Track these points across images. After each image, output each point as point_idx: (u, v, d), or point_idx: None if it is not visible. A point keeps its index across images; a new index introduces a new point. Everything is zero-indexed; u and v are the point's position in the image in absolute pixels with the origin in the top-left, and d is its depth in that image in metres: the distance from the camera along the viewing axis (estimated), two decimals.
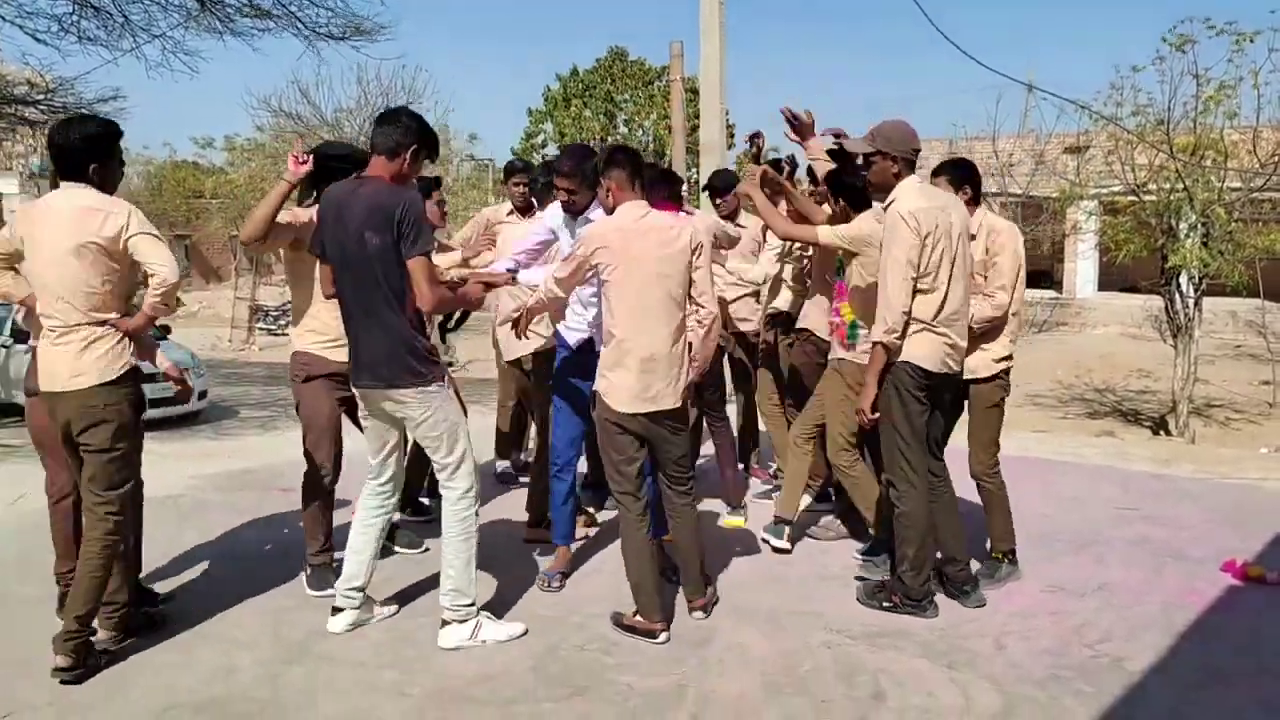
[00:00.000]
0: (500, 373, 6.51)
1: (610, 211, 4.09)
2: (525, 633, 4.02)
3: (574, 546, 4.92)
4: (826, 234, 4.55)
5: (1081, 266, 24.94)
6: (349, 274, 3.75)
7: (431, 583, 4.42)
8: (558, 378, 4.70)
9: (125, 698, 3.51)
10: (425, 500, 5.74)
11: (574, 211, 4.50)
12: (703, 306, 4.06)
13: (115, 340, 3.68)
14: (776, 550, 5.07)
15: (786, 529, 5.09)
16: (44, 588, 4.38)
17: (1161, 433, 10.66)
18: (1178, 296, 10.43)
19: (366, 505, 4.09)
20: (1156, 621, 4.20)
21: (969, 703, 3.50)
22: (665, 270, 3.95)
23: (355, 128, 21.22)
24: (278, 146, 21.72)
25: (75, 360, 3.61)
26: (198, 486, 6.74)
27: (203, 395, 10.70)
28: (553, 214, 4.69)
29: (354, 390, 3.94)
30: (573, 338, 4.63)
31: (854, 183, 4.64)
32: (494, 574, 4.63)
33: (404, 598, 4.45)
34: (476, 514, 3.98)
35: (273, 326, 24.54)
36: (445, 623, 3.95)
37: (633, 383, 3.94)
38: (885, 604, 4.29)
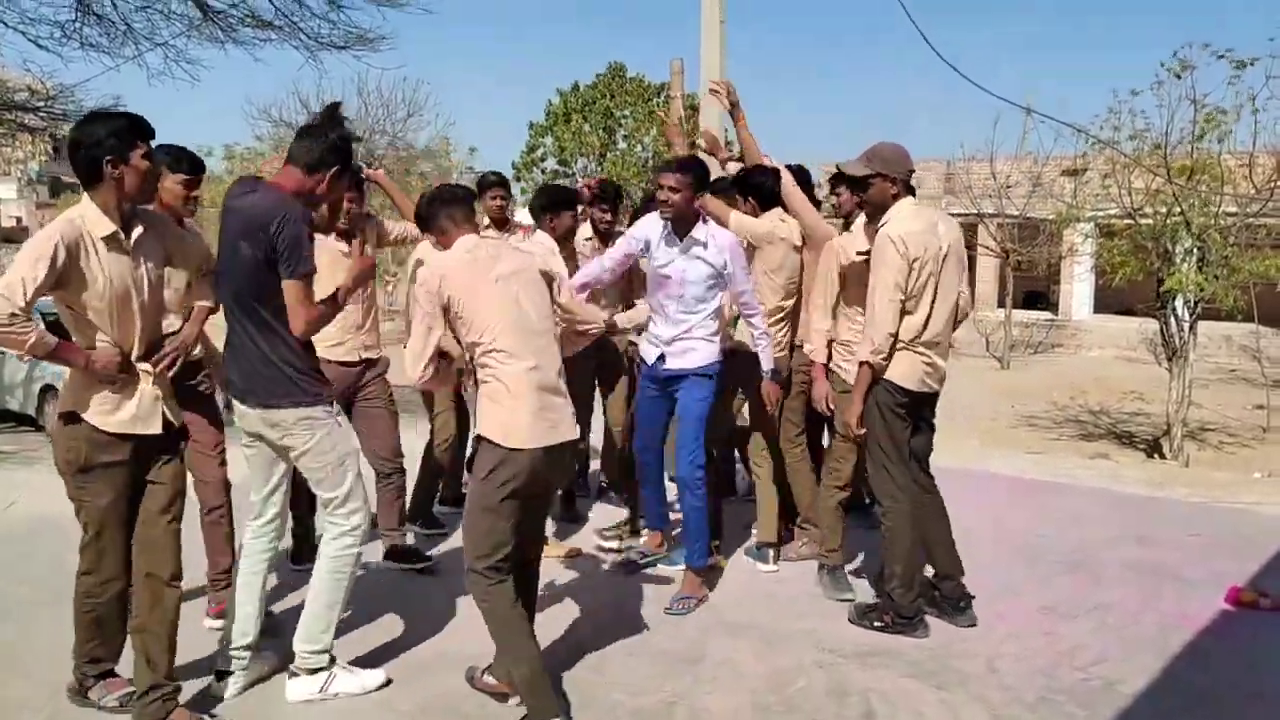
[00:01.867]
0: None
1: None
2: (387, 683, 3.67)
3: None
4: (734, 220, 4.71)
5: (1078, 289, 25.01)
6: (226, 284, 3.41)
7: (429, 588, 4.41)
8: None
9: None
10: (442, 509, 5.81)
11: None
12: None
13: None
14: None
15: (771, 552, 5.09)
16: (40, 592, 4.37)
17: (1155, 455, 10.66)
18: (1173, 320, 10.46)
19: (252, 550, 3.64)
20: (1150, 644, 4.19)
21: None
22: None
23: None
24: (277, 156, 21.75)
25: None
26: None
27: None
28: (651, 224, 4.56)
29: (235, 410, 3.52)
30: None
31: (762, 182, 4.89)
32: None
33: (401, 614, 4.43)
34: (358, 556, 3.61)
35: None
36: (293, 674, 3.59)
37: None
38: (876, 624, 4.28)
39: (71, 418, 3.17)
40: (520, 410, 3.36)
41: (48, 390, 10.03)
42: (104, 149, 3.04)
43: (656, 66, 40.06)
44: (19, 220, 42.32)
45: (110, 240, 3.10)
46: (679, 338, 4.51)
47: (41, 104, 12.60)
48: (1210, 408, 13.43)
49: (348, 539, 3.57)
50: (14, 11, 10.61)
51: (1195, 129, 9.91)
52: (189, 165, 3.93)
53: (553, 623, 4.35)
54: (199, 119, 67.85)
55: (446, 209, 3.61)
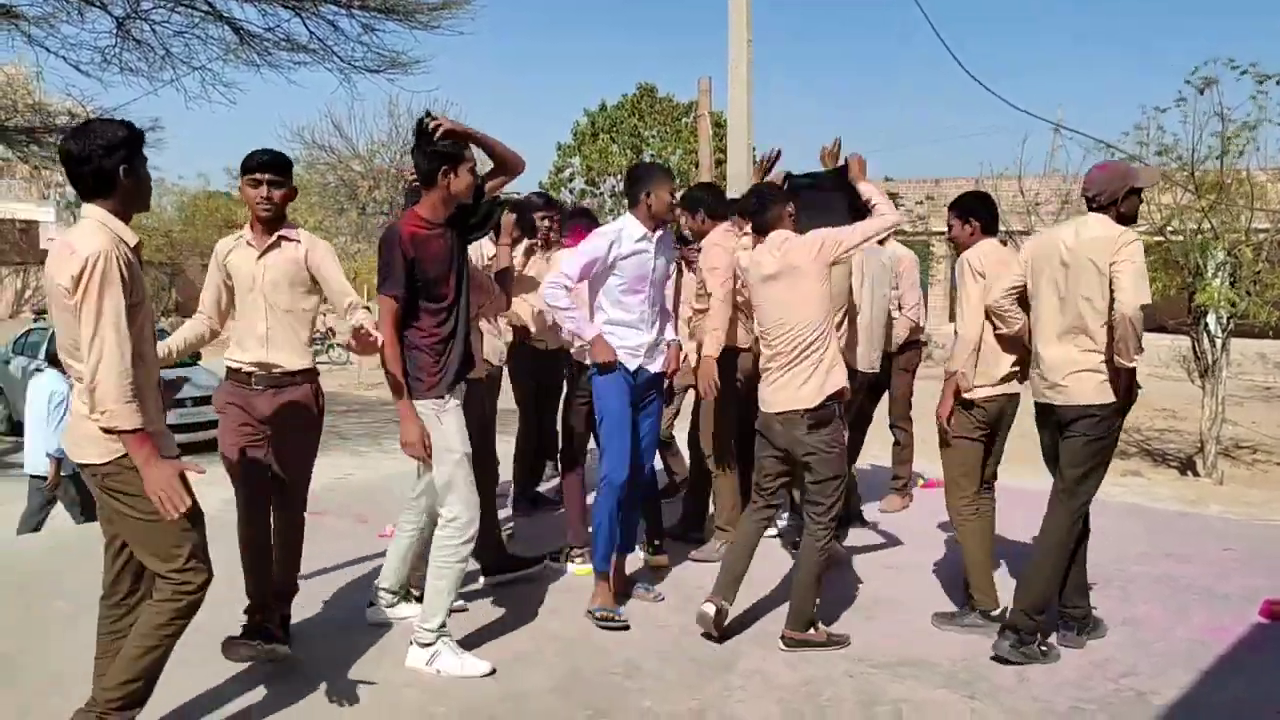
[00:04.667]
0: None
1: None
2: (492, 672, 3.90)
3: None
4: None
5: None
6: None
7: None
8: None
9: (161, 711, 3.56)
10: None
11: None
12: None
13: None
14: None
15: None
16: (74, 602, 4.45)
17: (1189, 473, 10.55)
18: (1205, 336, 10.38)
19: (402, 521, 4.36)
20: (1182, 657, 4.18)
21: None
22: None
23: (387, 160, 21.50)
24: (310, 178, 22.02)
25: None
26: (225, 511, 6.80)
27: None
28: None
29: None
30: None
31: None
32: (515, 594, 4.67)
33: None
34: (466, 543, 3.89)
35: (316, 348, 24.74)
36: (411, 643, 3.98)
37: None
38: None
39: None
40: None
41: None
42: (116, 158, 2.92)
43: (684, 86, 40.27)
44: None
45: (136, 250, 3.05)
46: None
47: None
48: (1245, 425, 13.27)
49: (450, 528, 3.88)
50: (56, 38, 10.87)
51: (1222, 143, 9.86)
52: None
53: (583, 628, 4.41)
54: (230, 141, 68.80)
55: None
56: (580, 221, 5.50)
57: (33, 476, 6.61)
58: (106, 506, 3.07)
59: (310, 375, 4.07)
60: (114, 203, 2.97)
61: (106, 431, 2.85)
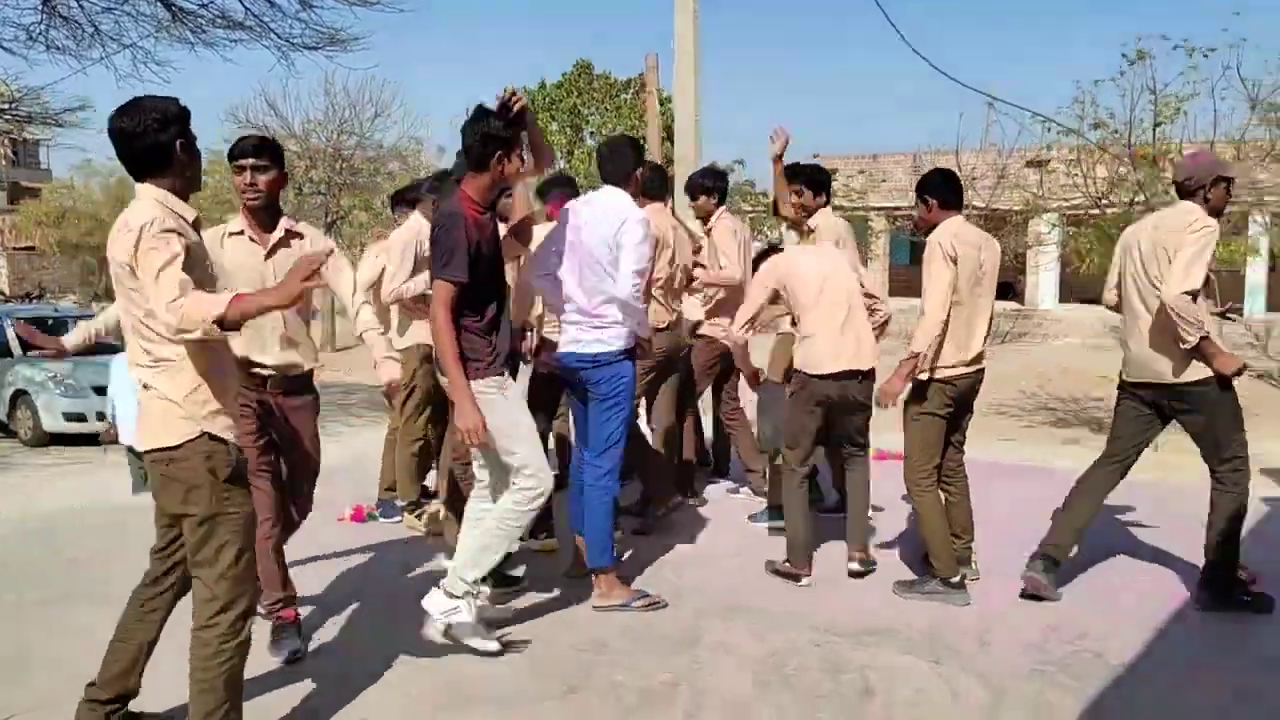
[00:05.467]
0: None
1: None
2: (500, 652, 3.87)
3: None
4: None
5: (1044, 279, 25.35)
6: None
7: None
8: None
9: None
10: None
11: None
12: None
13: None
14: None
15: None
16: (46, 591, 4.36)
17: None
18: None
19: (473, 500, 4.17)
20: (1134, 617, 4.31)
21: (956, 696, 3.58)
22: None
23: (323, 139, 21.12)
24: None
25: None
26: None
27: None
28: None
29: None
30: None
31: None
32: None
33: (404, 595, 4.47)
34: (531, 511, 3.91)
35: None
36: (436, 588, 3.94)
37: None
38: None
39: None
40: None
41: (19, 395, 9.93)
42: (171, 133, 2.86)
43: (623, 64, 40.05)
44: None
45: (196, 226, 2.98)
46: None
47: (6, 106, 12.46)
48: None
49: (522, 494, 3.87)
50: None
51: (1155, 117, 10.09)
52: None
53: (552, 606, 4.43)
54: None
55: None
56: (562, 190, 5.35)
57: (129, 449, 6.38)
58: (165, 497, 2.96)
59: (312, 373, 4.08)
60: (170, 179, 2.90)
61: (233, 326, 2.70)
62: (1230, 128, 10.75)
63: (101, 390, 9.71)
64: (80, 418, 9.52)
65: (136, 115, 2.83)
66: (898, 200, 25.31)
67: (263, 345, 3.84)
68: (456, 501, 4.91)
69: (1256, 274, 23.79)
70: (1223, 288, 11.17)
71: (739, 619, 4.30)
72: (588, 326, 4.33)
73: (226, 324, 2.67)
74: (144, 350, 2.88)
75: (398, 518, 5.83)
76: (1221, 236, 11.49)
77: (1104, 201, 10.81)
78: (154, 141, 2.84)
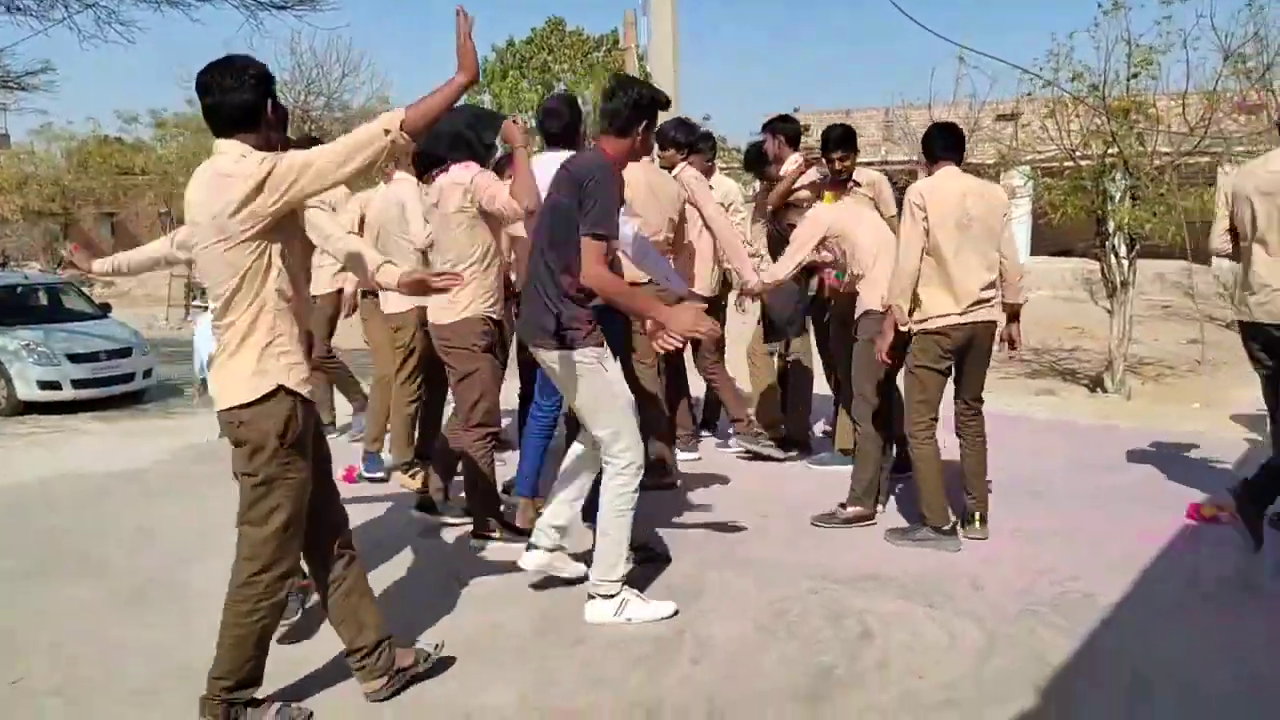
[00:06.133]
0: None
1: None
2: (675, 613, 3.89)
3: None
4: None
5: (1016, 231, 25.46)
6: (543, 230, 3.79)
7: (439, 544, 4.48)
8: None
9: (122, 669, 3.53)
10: None
11: None
12: None
13: None
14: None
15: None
16: (23, 561, 4.35)
17: (1098, 390, 11.01)
18: (1113, 258, 10.77)
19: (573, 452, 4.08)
20: (1121, 560, 4.43)
21: (952, 639, 3.68)
22: None
23: (290, 100, 20.78)
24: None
25: None
26: (164, 462, 6.68)
27: (148, 374, 10.46)
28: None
29: None
30: None
31: None
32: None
33: (409, 557, 4.50)
34: (637, 490, 3.81)
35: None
36: (590, 597, 3.87)
37: None
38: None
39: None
40: None
41: None
42: (262, 91, 2.90)
43: (595, 20, 39.54)
44: None
45: None
46: None
47: None
48: (1147, 343, 13.89)
49: (622, 477, 3.76)
50: None
51: (1130, 68, 10.15)
52: None
53: None
54: (120, 83, 65.51)
55: None
56: None
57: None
58: (235, 456, 3.01)
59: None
60: (257, 136, 2.92)
61: (414, 130, 2.87)
62: (1202, 79, 10.84)
63: (75, 358, 9.65)
64: (55, 385, 9.40)
65: (236, 72, 2.87)
66: (869, 155, 25.29)
67: None
68: (447, 458, 4.97)
69: (1226, 224, 24.05)
70: (1194, 237, 11.34)
71: (740, 569, 4.37)
72: None
73: (407, 125, 2.84)
74: (223, 307, 2.91)
75: (380, 472, 5.88)
76: (1194, 187, 11.59)
77: (1077, 154, 10.89)
78: (250, 99, 2.88)
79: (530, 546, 4.06)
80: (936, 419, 4.70)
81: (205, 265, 2.92)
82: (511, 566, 4.31)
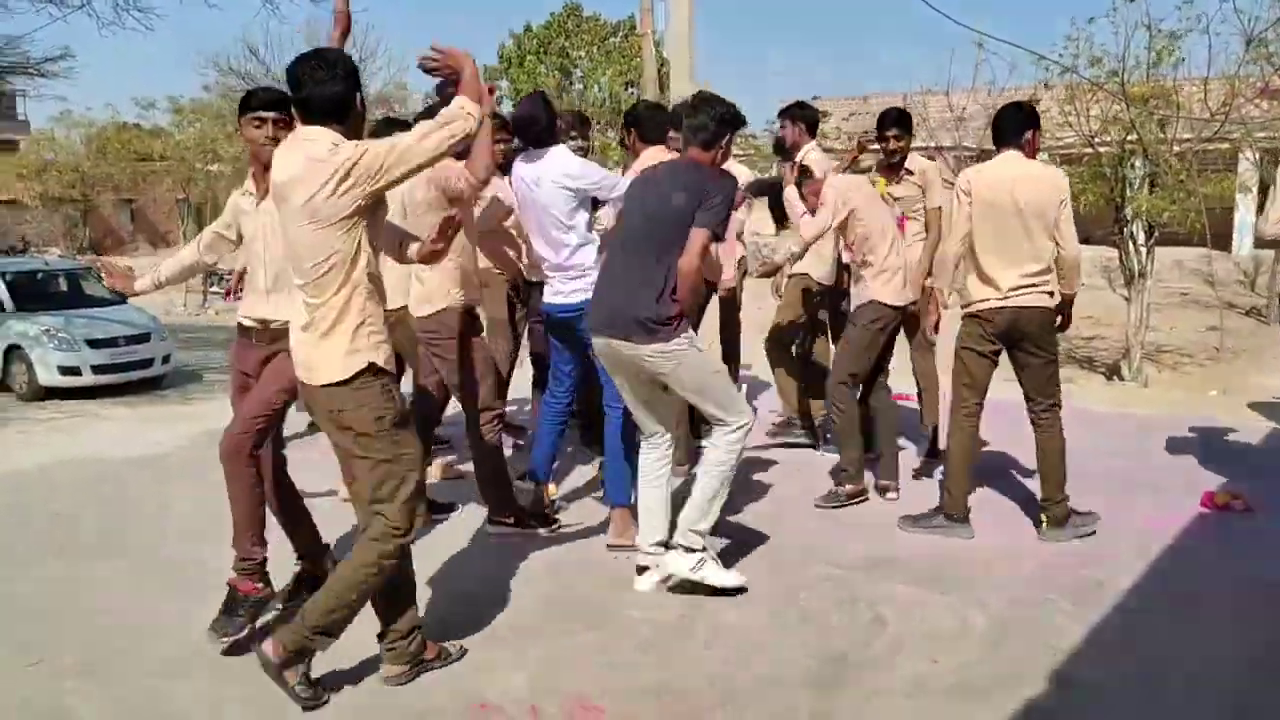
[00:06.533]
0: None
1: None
2: (742, 589, 3.95)
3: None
4: None
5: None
6: (639, 224, 3.93)
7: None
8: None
9: (144, 645, 3.58)
10: None
11: None
12: None
13: None
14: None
15: None
16: (44, 542, 4.41)
17: (1115, 378, 10.96)
18: (1131, 245, 10.70)
19: (646, 460, 4.09)
20: (1134, 547, 4.42)
21: (965, 625, 3.69)
22: None
23: None
24: (224, 106, 21.26)
25: None
26: (183, 447, 6.74)
27: (166, 359, 10.54)
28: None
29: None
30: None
31: None
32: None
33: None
34: (743, 448, 3.95)
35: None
36: (671, 546, 3.96)
37: None
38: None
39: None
40: None
41: (13, 350, 9.88)
42: (352, 84, 3.05)
43: (613, 6, 39.42)
44: None
45: None
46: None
47: None
48: (1165, 331, 13.79)
49: (735, 433, 3.88)
50: None
51: (1150, 56, 10.06)
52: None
53: (565, 547, 4.52)
54: (137, 70, 65.72)
55: None
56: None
57: None
58: (336, 441, 3.12)
59: None
60: (344, 127, 3.03)
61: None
62: (1224, 64, 10.74)
63: (94, 344, 9.72)
64: (75, 371, 9.49)
65: (329, 66, 3.00)
66: None
67: (245, 299, 3.87)
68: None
69: (1246, 211, 23.84)
70: (1213, 224, 11.24)
71: (751, 557, 4.39)
72: (566, 279, 4.49)
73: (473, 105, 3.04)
74: (316, 288, 3.00)
75: None
76: (1214, 173, 11.48)
77: (1096, 140, 10.81)
78: (341, 90, 3.00)
79: (640, 570, 4.07)
80: (980, 405, 4.68)
81: (296, 245, 3.02)
82: (524, 551, 4.34)
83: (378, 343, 3.07)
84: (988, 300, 4.52)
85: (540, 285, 4.89)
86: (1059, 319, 4.65)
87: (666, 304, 3.77)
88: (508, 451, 6.14)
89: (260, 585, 3.74)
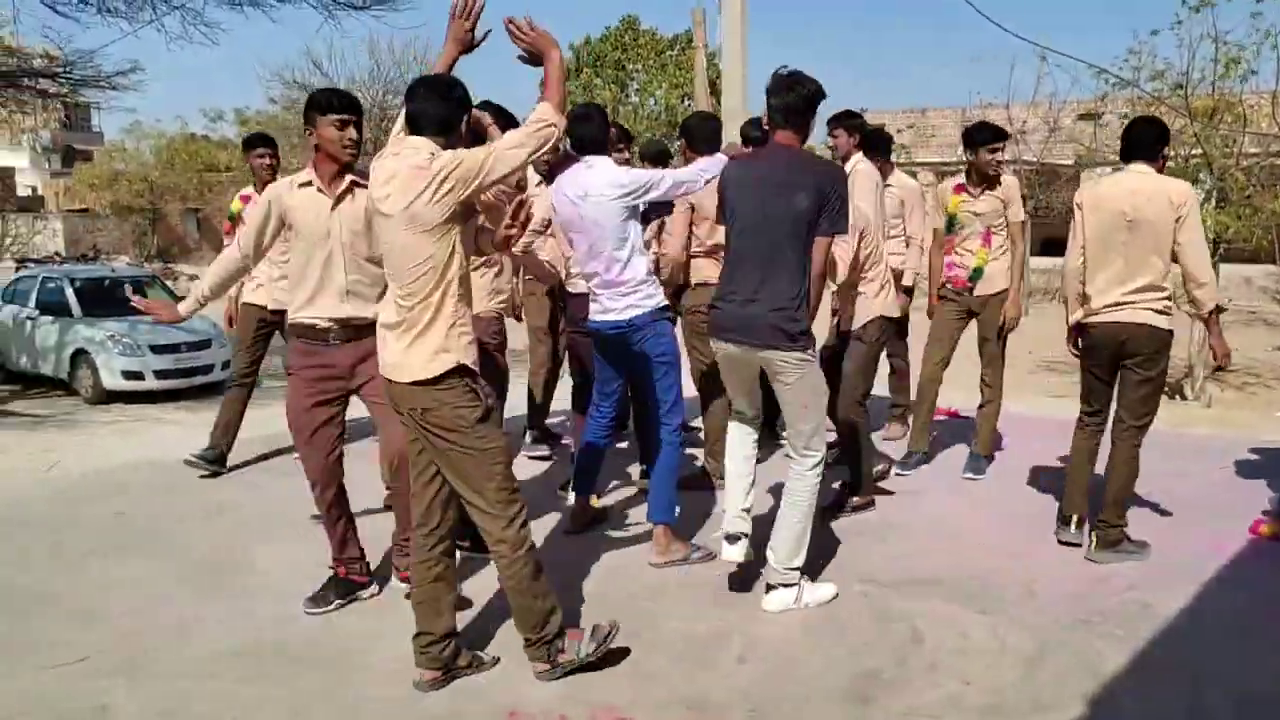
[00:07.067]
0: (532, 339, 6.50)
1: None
2: (835, 596, 4.06)
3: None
4: None
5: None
6: (762, 230, 3.90)
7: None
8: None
9: (183, 649, 3.67)
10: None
11: None
12: None
13: None
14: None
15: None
16: (92, 542, 4.52)
17: (1177, 397, 10.71)
18: None
19: (735, 435, 4.23)
20: (1183, 571, 4.32)
21: (1003, 644, 3.63)
22: None
23: (368, 99, 21.22)
24: (289, 119, 21.73)
25: None
26: (240, 451, 6.87)
27: (226, 365, 10.76)
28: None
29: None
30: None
31: None
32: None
33: None
34: (818, 485, 4.00)
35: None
36: (770, 587, 4.01)
37: None
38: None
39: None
40: None
41: (79, 355, 10.18)
42: (461, 108, 3.26)
43: (669, 20, 39.57)
44: (34, 190, 42.21)
45: None
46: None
47: (60, 70, 12.64)
48: (1231, 349, 13.46)
49: (814, 471, 3.98)
50: None
51: (1217, 69, 9.83)
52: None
53: (608, 557, 4.53)
54: (205, 83, 67.42)
55: None
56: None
57: None
58: (426, 440, 3.23)
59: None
60: (446, 142, 3.21)
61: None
62: None
63: (157, 349, 9.98)
64: (138, 376, 9.73)
65: (445, 88, 3.24)
66: (946, 155, 24.89)
67: (313, 300, 3.86)
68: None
69: None
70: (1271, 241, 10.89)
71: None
72: (615, 295, 4.37)
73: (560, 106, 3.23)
74: (410, 290, 3.13)
75: None
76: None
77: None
78: (454, 110, 3.23)
79: (732, 538, 4.14)
80: (1090, 413, 4.72)
81: (393, 249, 3.14)
82: (560, 560, 4.36)
83: (467, 344, 3.19)
84: (1094, 314, 4.51)
85: (580, 296, 4.90)
86: (1212, 346, 4.63)
87: (804, 313, 3.82)
88: (548, 461, 6.23)
89: (345, 569, 4.08)
